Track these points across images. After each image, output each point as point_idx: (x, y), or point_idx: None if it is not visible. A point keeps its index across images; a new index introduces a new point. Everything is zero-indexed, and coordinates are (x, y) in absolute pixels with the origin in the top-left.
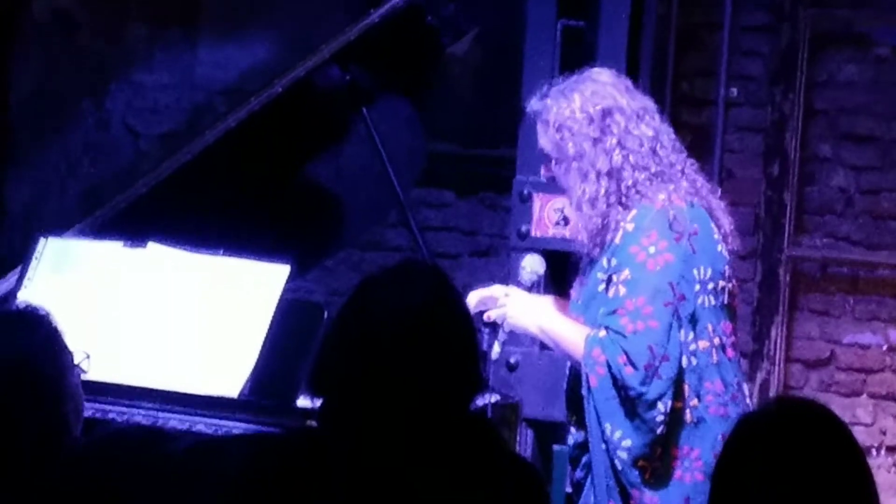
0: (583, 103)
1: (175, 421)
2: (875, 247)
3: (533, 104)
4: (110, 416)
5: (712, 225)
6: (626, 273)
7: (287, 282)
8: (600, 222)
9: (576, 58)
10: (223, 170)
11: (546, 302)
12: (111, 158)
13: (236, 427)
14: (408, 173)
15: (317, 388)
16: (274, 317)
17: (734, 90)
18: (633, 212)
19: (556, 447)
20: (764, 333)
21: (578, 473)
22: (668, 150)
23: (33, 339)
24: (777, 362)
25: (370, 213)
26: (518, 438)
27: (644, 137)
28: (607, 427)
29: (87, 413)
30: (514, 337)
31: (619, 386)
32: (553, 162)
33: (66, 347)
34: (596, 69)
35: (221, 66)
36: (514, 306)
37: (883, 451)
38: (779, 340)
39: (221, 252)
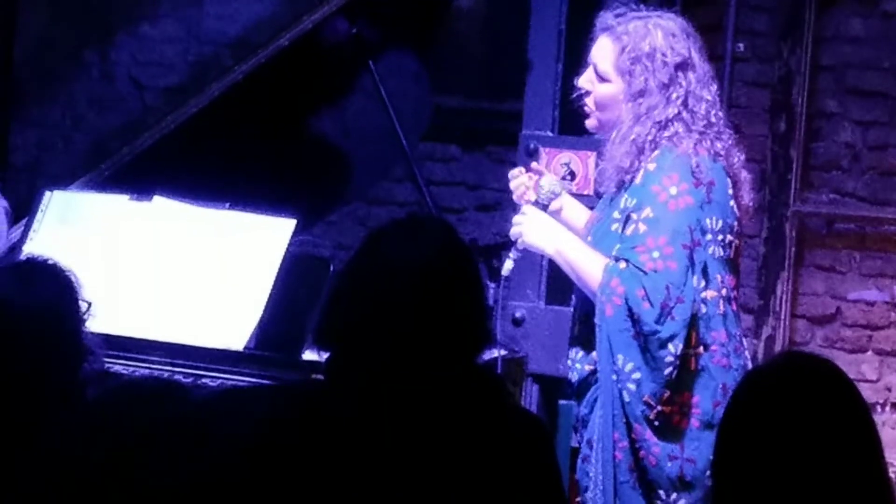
0: (664, 45)
1: (180, 374)
2: (881, 203)
3: (608, 18)
4: (114, 368)
5: (728, 181)
6: (647, 211)
7: (293, 235)
8: (628, 162)
9: (584, 12)
10: (229, 123)
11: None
12: (116, 111)
13: (242, 380)
14: (414, 128)
15: (324, 341)
16: (280, 270)
17: (741, 45)
18: (655, 152)
19: (561, 402)
20: (770, 289)
21: (583, 410)
22: (720, 119)
23: (58, 289)
24: (783, 318)
25: (376, 168)
26: (523, 394)
27: (705, 102)
28: (619, 358)
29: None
30: (520, 292)
31: (635, 319)
32: (606, 82)
33: (81, 298)
34: (671, 14)
35: (228, 19)
36: (531, 225)
37: (888, 408)
38: (784, 296)
39: (227, 205)
